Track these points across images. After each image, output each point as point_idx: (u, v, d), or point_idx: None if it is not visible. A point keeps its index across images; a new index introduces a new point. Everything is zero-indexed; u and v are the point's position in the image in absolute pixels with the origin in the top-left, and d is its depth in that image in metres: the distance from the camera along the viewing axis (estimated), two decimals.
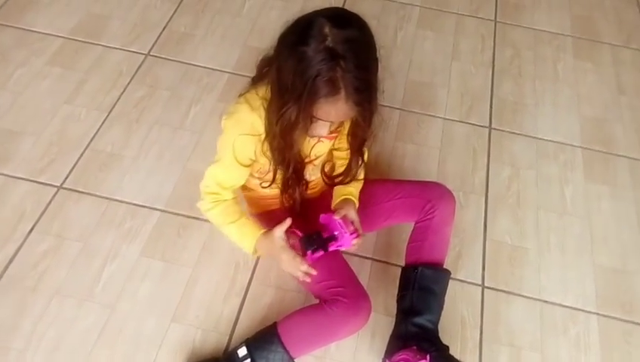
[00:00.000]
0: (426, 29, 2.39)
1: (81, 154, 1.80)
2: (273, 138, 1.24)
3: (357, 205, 1.43)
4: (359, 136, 1.33)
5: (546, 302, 1.63)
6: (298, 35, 1.11)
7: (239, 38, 2.23)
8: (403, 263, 1.50)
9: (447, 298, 1.47)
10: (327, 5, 1.19)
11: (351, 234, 1.32)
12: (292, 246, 1.33)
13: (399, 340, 1.42)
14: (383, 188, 1.55)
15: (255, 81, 1.29)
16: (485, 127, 2.06)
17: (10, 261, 1.55)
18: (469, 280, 1.65)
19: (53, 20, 2.19)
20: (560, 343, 1.55)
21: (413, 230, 1.50)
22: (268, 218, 1.49)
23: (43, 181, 1.73)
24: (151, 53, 2.13)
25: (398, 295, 1.47)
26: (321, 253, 1.33)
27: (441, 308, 1.46)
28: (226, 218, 1.38)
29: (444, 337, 1.45)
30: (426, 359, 1.33)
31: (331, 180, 1.45)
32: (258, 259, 1.62)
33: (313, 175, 1.46)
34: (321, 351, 1.44)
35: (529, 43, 2.39)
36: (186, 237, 1.64)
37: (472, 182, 1.88)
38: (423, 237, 1.47)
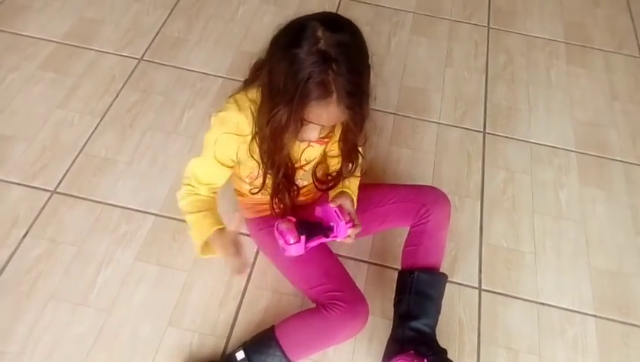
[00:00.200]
0: (420, 35, 2.40)
1: (75, 159, 1.79)
2: (263, 141, 1.23)
3: (355, 199, 1.41)
4: (350, 141, 1.32)
5: (542, 304, 1.63)
6: (291, 37, 1.11)
7: (233, 42, 2.23)
8: (399, 266, 1.49)
9: (444, 300, 1.47)
10: (320, 10, 1.19)
11: (346, 223, 1.30)
12: (284, 232, 1.26)
13: (396, 344, 1.41)
14: (378, 192, 1.54)
15: (247, 84, 1.29)
16: (479, 131, 2.07)
17: (4, 266, 1.54)
18: (466, 283, 1.65)
19: (46, 25, 2.18)
20: (557, 345, 1.55)
21: (408, 234, 1.50)
22: (262, 223, 1.48)
23: (36, 186, 1.71)
24: (144, 58, 2.12)
25: (395, 299, 1.47)
26: (317, 242, 1.30)
27: (439, 311, 1.45)
28: (191, 208, 1.32)
29: (442, 340, 1.44)
30: None
31: (323, 185, 1.44)
32: (254, 261, 1.61)
33: (305, 180, 1.45)
34: (319, 354, 1.43)
35: (522, 49, 2.41)
36: (181, 241, 1.63)
37: (467, 186, 1.89)
38: (419, 242, 1.47)
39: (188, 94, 2.03)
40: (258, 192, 1.37)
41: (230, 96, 1.29)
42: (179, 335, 1.46)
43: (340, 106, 1.11)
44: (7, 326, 1.44)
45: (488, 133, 2.06)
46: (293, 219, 1.29)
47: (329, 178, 1.44)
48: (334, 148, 1.41)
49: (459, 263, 1.69)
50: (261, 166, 1.30)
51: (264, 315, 1.51)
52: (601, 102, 2.23)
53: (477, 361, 1.50)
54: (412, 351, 1.36)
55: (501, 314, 1.60)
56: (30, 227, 1.61)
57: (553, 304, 1.64)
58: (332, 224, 1.32)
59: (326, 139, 1.34)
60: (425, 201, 1.47)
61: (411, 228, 1.49)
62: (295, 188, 1.39)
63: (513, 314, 1.60)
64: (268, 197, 1.39)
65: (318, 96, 1.09)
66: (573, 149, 2.05)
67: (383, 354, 1.44)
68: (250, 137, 1.25)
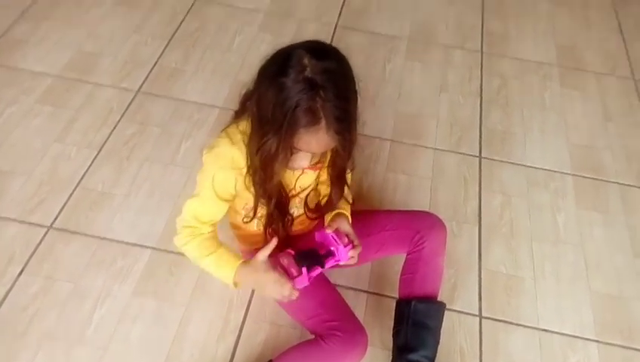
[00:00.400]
0: (414, 60, 2.42)
1: (72, 194, 1.79)
2: (254, 171, 1.23)
3: (349, 218, 1.41)
4: (339, 166, 1.32)
5: (544, 330, 1.62)
6: (278, 66, 1.12)
7: (230, 73, 2.25)
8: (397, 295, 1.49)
9: (445, 329, 1.46)
10: (327, 43, 1.20)
11: (345, 246, 1.30)
12: (286, 267, 1.27)
13: None
14: (373, 219, 1.53)
15: (237, 115, 1.30)
16: (475, 156, 2.07)
17: (0, 305, 1.53)
18: (466, 311, 1.64)
19: (44, 58, 2.20)
20: None
21: (404, 262, 1.49)
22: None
23: (33, 221, 1.71)
24: (141, 90, 2.14)
25: (393, 329, 1.46)
26: (319, 270, 1.29)
27: (437, 342, 1.44)
28: (202, 251, 1.32)
29: None
30: None
31: (314, 213, 1.44)
32: (252, 295, 1.60)
33: (300, 209, 1.44)
34: None
35: (515, 73, 2.42)
36: (178, 275, 1.62)
37: (464, 212, 1.89)
38: (414, 269, 1.45)
39: (185, 125, 2.04)
40: (250, 221, 1.37)
41: (222, 130, 1.29)
42: None
43: (329, 132, 1.11)
44: None
45: (484, 158, 2.07)
46: (292, 252, 1.29)
47: (319, 206, 1.44)
48: (323, 174, 1.41)
49: (458, 290, 1.68)
50: (254, 196, 1.30)
51: (263, 348, 1.50)
52: (595, 124, 2.24)
53: None
54: None
55: (503, 341, 1.59)
56: (26, 264, 1.61)
57: (554, 330, 1.62)
58: (332, 249, 1.31)
59: (319, 165, 1.34)
60: (419, 228, 1.46)
61: (407, 255, 1.48)
62: (289, 217, 1.38)
63: (515, 342, 1.59)
64: (261, 228, 1.39)
65: (307, 123, 1.09)
66: (568, 172, 2.05)
67: None
68: (245, 169, 1.25)
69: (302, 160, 1.21)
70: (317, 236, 1.36)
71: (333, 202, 1.40)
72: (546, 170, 2.05)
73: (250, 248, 1.51)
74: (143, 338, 1.49)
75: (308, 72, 1.08)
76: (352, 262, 1.34)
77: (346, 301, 1.44)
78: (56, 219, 1.72)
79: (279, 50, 1.15)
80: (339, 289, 1.51)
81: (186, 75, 2.22)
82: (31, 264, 1.61)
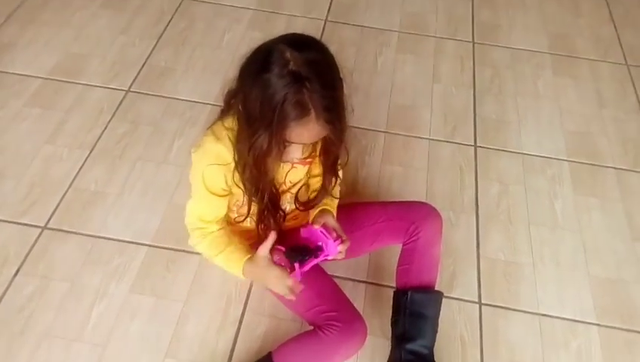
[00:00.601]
0: (406, 53, 2.41)
1: (64, 194, 1.77)
2: (245, 168, 1.23)
3: (335, 214, 1.41)
4: (332, 154, 1.32)
5: (544, 315, 1.61)
6: (260, 63, 1.11)
7: (220, 69, 2.23)
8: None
9: (444, 317, 1.45)
10: (305, 34, 1.19)
11: (334, 240, 1.31)
12: (277, 263, 1.30)
13: None
14: (368, 211, 1.53)
15: (223, 113, 1.29)
16: (470, 145, 2.06)
17: None
18: (465, 298, 1.63)
19: (32, 61, 2.18)
20: (562, 357, 1.53)
21: (400, 253, 1.48)
22: (253, 251, 1.46)
23: (26, 222, 1.69)
24: (131, 89, 2.12)
25: (391, 319, 1.45)
26: (309, 264, 1.30)
27: (435, 331, 1.43)
28: (213, 250, 1.36)
29: (445, 358, 1.42)
30: None
31: (305, 205, 1.43)
32: (250, 288, 1.58)
33: (291, 204, 1.43)
34: None
35: (508, 62, 2.42)
36: (175, 271, 1.61)
37: (461, 201, 1.88)
38: (410, 260, 1.45)
39: (177, 123, 2.02)
40: (244, 220, 1.37)
41: (208, 128, 1.29)
42: None
43: (319, 122, 1.11)
44: None
45: (479, 147, 2.06)
46: (283, 249, 1.30)
47: (310, 200, 1.43)
48: (313, 168, 1.41)
49: (457, 279, 1.67)
50: (245, 193, 1.29)
51: (263, 341, 1.48)
52: (589, 111, 2.24)
53: None
54: None
55: (503, 327, 1.58)
56: (21, 265, 1.59)
57: (555, 315, 1.62)
58: (320, 244, 1.32)
59: (309, 159, 1.33)
60: (414, 219, 1.45)
61: (403, 246, 1.47)
62: (281, 213, 1.38)
63: (515, 327, 1.58)
64: (253, 225, 1.38)
65: (297, 116, 1.09)
66: (565, 158, 2.04)
67: None
68: (233, 165, 1.25)
69: (294, 151, 1.21)
70: (303, 232, 1.36)
71: (327, 191, 1.39)
72: (542, 156, 2.05)
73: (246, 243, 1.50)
74: (141, 335, 1.48)
75: (291, 66, 1.07)
76: (340, 256, 1.34)
77: (345, 292, 1.44)
78: (50, 219, 1.70)
79: (258, 47, 1.15)
80: (337, 281, 1.50)
81: (176, 73, 2.21)
82: (26, 264, 1.59)
